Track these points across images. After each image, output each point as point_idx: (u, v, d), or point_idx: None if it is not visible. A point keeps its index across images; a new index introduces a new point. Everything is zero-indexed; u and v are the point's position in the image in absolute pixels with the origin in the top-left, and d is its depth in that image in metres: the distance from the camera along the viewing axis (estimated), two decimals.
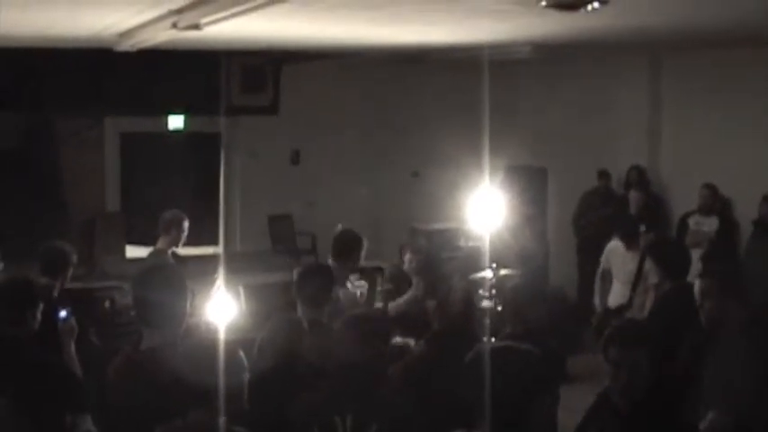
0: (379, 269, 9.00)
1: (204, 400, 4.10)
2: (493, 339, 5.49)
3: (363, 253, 8.03)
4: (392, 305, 8.49)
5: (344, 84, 15.01)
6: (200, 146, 15.06)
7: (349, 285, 7.98)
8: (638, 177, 13.43)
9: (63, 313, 6.51)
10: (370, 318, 5.07)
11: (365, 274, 8.23)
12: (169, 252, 9.25)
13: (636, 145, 13.74)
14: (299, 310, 6.21)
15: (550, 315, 6.46)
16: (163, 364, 4.50)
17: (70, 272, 8.02)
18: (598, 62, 13.59)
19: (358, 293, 7.99)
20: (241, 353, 4.28)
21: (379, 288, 8.60)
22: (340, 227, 8.33)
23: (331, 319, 6.14)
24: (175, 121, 14.40)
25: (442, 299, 5.97)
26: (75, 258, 8.07)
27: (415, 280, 8.60)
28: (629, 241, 10.39)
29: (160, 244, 9.32)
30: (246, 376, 4.25)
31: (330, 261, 7.95)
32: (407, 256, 9.72)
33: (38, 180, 13.08)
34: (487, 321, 6.35)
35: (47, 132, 13.35)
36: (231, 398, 4.14)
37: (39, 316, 6.34)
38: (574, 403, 6.72)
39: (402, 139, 15.41)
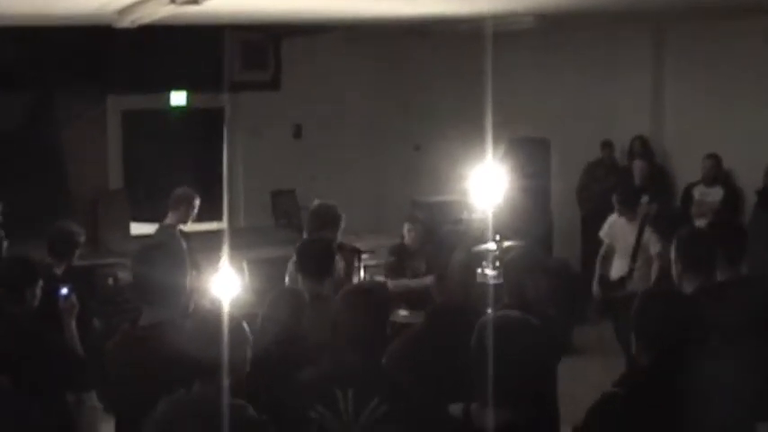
0: (357, 250, 8.90)
1: (205, 375, 4.10)
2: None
3: (341, 228, 7.95)
4: (393, 283, 8.48)
5: (346, 57, 14.98)
6: (202, 122, 15.05)
7: None
8: (642, 147, 13.40)
9: (64, 291, 6.51)
10: (370, 290, 5.05)
11: (343, 251, 8.14)
12: (177, 228, 9.30)
13: (639, 115, 13.69)
14: (300, 284, 6.20)
15: (553, 287, 6.44)
16: (161, 340, 4.49)
17: (77, 252, 8.04)
18: (600, 32, 13.53)
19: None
20: (245, 326, 4.28)
21: (356, 264, 8.54)
22: (317, 201, 8.24)
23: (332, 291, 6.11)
24: (177, 98, 14.38)
25: (442, 272, 5.95)
26: (83, 239, 8.10)
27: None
28: (628, 212, 10.36)
29: (169, 219, 9.39)
30: (250, 350, 4.25)
31: (305, 235, 7.88)
32: (406, 228, 9.74)
33: (40, 160, 13.06)
34: (490, 294, 6.34)
35: (48, 112, 13.32)
36: (234, 371, 4.15)
37: (38, 293, 6.35)
38: (578, 374, 6.77)
39: (404, 113, 15.38)
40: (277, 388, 4.63)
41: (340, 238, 7.89)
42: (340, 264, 7.93)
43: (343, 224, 7.91)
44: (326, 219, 7.88)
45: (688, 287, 5.83)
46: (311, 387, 4.65)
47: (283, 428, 4.34)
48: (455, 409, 3.95)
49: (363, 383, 4.56)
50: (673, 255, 6.02)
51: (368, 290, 5.03)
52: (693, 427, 4.12)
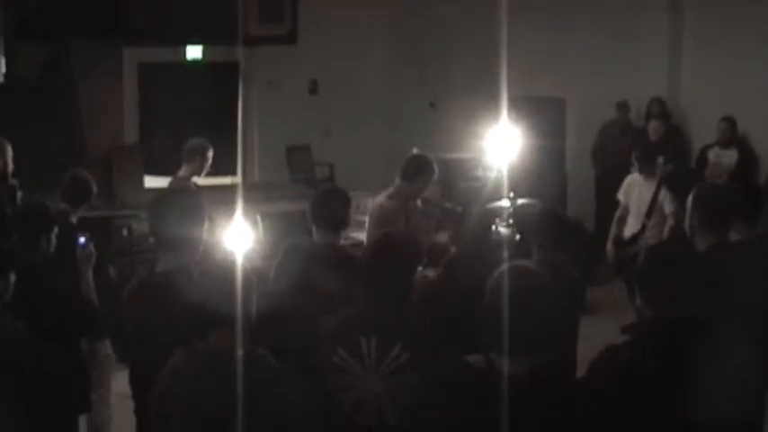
0: (441, 205, 9.01)
1: (222, 323, 4.11)
2: None
3: (433, 180, 8.09)
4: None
5: (362, 13, 14.93)
6: (218, 76, 15.01)
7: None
8: (660, 109, 13.37)
9: (81, 240, 6.54)
10: (399, 239, 5.05)
11: (428, 205, 8.26)
12: (191, 180, 9.34)
13: (655, 76, 13.65)
14: (315, 235, 6.23)
15: (570, 245, 6.47)
16: (177, 287, 4.49)
17: (90, 201, 8.07)
18: None
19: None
20: (252, 276, 4.28)
21: (442, 219, 8.66)
22: (414, 150, 8.41)
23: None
24: (193, 52, 14.37)
25: (458, 224, 5.97)
26: (95, 188, 8.13)
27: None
28: (647, 168, 10.34)
29: (183, 171, 9.41)
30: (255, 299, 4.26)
31: (398, 183, 8.01)
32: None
33: (56, 112, 13.06)
34: (505, 249, 6.36)
35: (64, 64, 13.31)
36: (246, 321, 4.16)
37: (53, 240, 6.38)
38: (592, 333, 6.77)
39: (420, 70, 15.35)
40: (290, 337, 4.65)
41: (428, 192, 8.05)
42: (422, 217, 8.06)
43: (435, 177, 8.04)
44: (420, 169, 8.00)
45: (702, 244, 5.83)
46: (335, 332, 4.69)
47: (302, 374, 4.36)
48: (475, 359, 3.96)
49: (387, 331, 4.60)
50: (688, 210, 6.01)
51: (396, 239, 5.03)
52: (696, 381, 4.13)
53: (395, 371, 4.57)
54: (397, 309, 4.70)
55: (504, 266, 4.00)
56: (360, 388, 4.63)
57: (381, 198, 8.11)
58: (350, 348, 4.60)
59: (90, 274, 6.53)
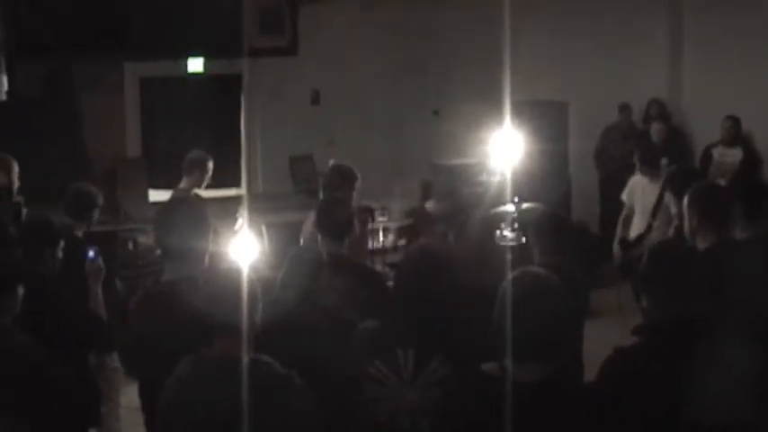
0: (370, 210, 8.94)
1: (227, 331, 4.12)
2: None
3: (356, 189, 7.98)
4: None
5: (363, 22, 14.93)
6: (220, 89, 15.02)
7: None
8: (659, 111, 13.37)
9: (91, 254, 6.55)
10: (435, 250, 5.02)
11: (357, 211, 8.19)
12: (192, 192, 9.33)
13: (657, 77, 13.66)
14: (319, 243, 6.24)
15: (572, 247, 6.46)
16: (182, 296, 4.51)
17: (96, 214, 8.06)
18: None
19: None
20: (257, 284, 4.29)
21: (370, 224, 8.55)
22: (332, 162, 8.28)
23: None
24: (194, 65, 14.38)
25: (461, 230, 5.97)
26: (101, 200, 8.12)
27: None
28: (650, 171, 10.33)
29: (183, 184, 9.42)
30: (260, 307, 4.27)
31: (321, 196, 7.90)
32: (432, 202, 9.69)
33: (58, 127, 13.07)
34: (509, 254, 6.35)
35: (66, 79, 13.32)
36: (251, 329, 4.17)
37: (59, 254, 6.40)
38: (597, 336, 6.77)
39: (422, 78, 15.35)
40: (303, 347, 4.65)
41: (356, 198, 7.92)
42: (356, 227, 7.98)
43: (359, 185, 7.94)
44: (343, 179, 7.90)
45: (702, 243, 5.83)
46: (371, 342, 4.68)
47: (334, 384, 4.36)
48: (489, 366, 3.94)
49: (425, 344, 4.57)
50: (685, 211, 6.01)
51: (434, 251, 5.00)
52: (704, 383, 4.12)
53: (434, 384, 4.53)
54: (435, 321, 4.63)
55: (516, 273, 3.97)
56: (394, 399, 4.56)
57: (310, 220, 7.84)
58: (387, 359, 4.56)
59: (99, 288, 6.55)
